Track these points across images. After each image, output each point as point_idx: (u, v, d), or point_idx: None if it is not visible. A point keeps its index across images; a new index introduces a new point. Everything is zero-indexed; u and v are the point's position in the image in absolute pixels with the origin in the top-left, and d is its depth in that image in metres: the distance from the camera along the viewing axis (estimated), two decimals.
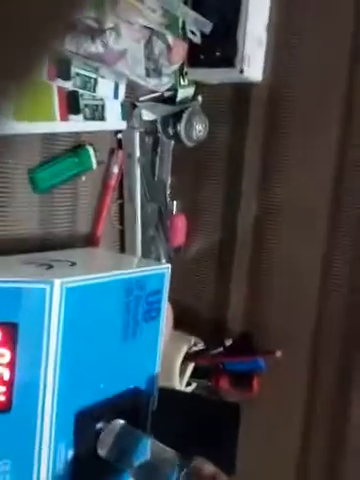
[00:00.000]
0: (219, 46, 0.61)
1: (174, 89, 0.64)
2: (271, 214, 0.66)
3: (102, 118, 0.57)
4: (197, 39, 0.55)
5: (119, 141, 0.62)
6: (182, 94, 0.66)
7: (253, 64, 0.62)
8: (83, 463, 0.44)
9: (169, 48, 0.51)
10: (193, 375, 0.68)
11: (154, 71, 0.52)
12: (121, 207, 0.66)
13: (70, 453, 0.43)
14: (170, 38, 0.51)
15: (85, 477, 0.44)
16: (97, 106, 0.56)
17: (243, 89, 0.66)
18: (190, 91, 0.67)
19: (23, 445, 0.40)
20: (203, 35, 0.58)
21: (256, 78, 0.64)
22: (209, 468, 0.43)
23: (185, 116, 0.65)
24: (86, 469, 0.44)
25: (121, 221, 0.66)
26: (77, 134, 0.56)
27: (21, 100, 0.47)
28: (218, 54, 0.61)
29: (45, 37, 0.42)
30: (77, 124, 0.55)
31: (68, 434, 0.43)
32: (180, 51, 0.52)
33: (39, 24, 0.41)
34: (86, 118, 0.55)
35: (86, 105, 0.55)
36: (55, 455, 0.42)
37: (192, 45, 0.61)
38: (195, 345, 0.68)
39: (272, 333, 0.66)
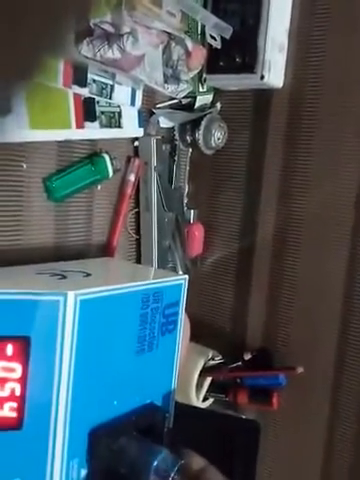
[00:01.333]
0: (239, 52, 0.59)
1: (192, 96, 0.63)
2: (292, 224, 0.64)
3: (119, 125, 0.56)
4: (217, 44, 0.54)
5: (136, 149, 0.61)
6: (201, 101, 0.65)
7: (274, 70, 0.60)
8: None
9: (188, 53, 0.50)
10: (210, 389, 0.66)
11: (172, 77, 0.51)
12: (137, 216, 0.64)
13: (83, 471, 0.41)
14: (189, 43, 0.50)
15: None
16: (114, 113, 0.55)
17: (263, 96, 0.64)
18: (209, 98, 0.66)
19: (35, 463, 0.39)
20: (223, 40, 0.57)
21: (277, 84, 0.62)
22: (198, 461, 0.42)
23: (203, 123, 0.64)
24: None
25: (137, 230, 0.65)
26: (93, 142, 0.55)
27: (36, 106, 0.46)
28: (238, 60, 0.60)
29: (54, 39, 0.41)
30: (93, 131, 0.54)
31: (81, 452, 0.41)
32: (199, 57, 0.51)
33: (47, 25, 0.40)
34: (102, 125, 0.54)
35: (102, 112, 0.54)
36: (68, 474, 0.40)
37: (211, 51, 0.60)
38: (213, 359, 0.66)
39: (293, 347, 0.64)
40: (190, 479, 0.41)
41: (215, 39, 0.54)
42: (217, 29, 0.53)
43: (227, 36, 0.54)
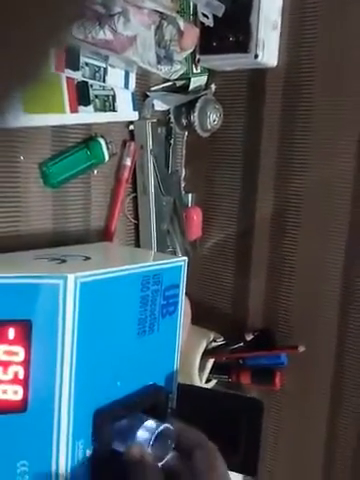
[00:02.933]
0: (232, 31, 0.59)
1: (186, 78, 0.63)
2: (290, 204, 0.64)
3: (113, 109, 0.56)
4: (209, 22, 0.53)
5: (131, 132, 0.61)
6: (195, 83, 0.64)
7: (268, 49, 0.60)
8: (101, 462, 0.43)
9: (180, 33, 0.49)
10: (213, 371, 0.67)
11: (165, 58, 0.50)
12: (135, 201, 0.64)
13: (88, 452, 0.42)
14: (181, 23, 0.49)
15: (103, 476, 0.43)
16: (108, 96, 0.55)
17: (258, 75, 0.64)
18: (203, 79, 0.65)
19: (40, 445, 0.39)
20: (215, 20, 0.56)
21: (271, 63, 0.61)
22: (193, 435, 0.42)
23: (198, 105, 0.64)
24: (104, 468, 0.43)
25: (135, 215, 0.65)
26: (88, 126, 0.55)
27: (29, 91, 0.45)
28: (231, 39, 0.59)
29: (52, 26, 0.41)
30: (87, 116, 0.53)
31: (86, 433, 0.41)
32: (192, 36, 0.51)
33: (45, 13, 0.40)
34: (96, 109, 0.54)
35: (96, 96, 0.54)
36: (73, 454, 0.40)
37: (204, 31, 0.59)
38: (214, 340, 0.67)
39: (294, 326, 0.64)
40: (184, 452, 0.41)
41: (207, 17, 0.53)
42: (209, 7, 0.52)
43: (219, 14, 0.53)
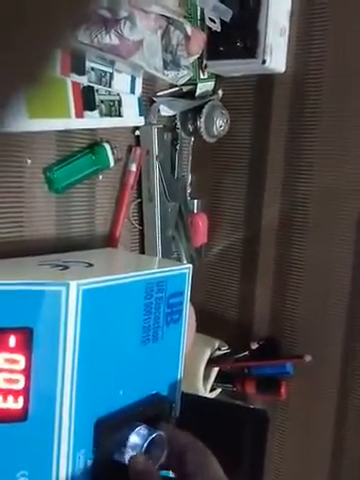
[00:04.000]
0: (240, 36, 0.58)
1: (193, 83, 0.62)
2: (297, 211, 0.63)
3: (119, 114, 0.56)
4: (217, 27, 0.53)
5: (137, 138, 0.60)
6: (202, 88, 0.64)
7: (276, 54, 0.59)
8: (103, 472, 0.42)
9: (187, 38, 0.49)
10: (217, 380, 0.66)
11: (172, 63, 0.50)
12: (140, 206, 0.64)
13: (89, 462, 0.41)
14: (188, 27, 0.49)
15: None
16: (113, 102, 0.55)
17: (265, 81, 0.63)
18: (210, 85, 0.65)
19: (40, 455, 0.38)
20: (223, 25, 0.56)
21: (279, 69, 0.61)
22: (182, 438, 0.42)
23: (205, 111, 0.63)
24: (106, 478, 0.42)
25: (140, 221, 0.64)
26: (93, 131, 0.55)
27: (34, 95, 0.45)
28: (239, 45, 0.59)
29: (58, 30, 0.40)
30: (93, 121, 0.53)
31: (87, 443, 0.41)
32: (199, 41, 0.50)
33: (49, 16, 0.40)
34: (102, 114, 0.54)
35: (102, 101, 0.53)
36: (74, 464, 0.40)
37: (211, 36, 0.59)
38: (219, 349, 0.66)
39: (300, 335, 0.63)
40: (175, 455, 0.41)
41: (214, 22, 0.52)
42: (216, 12, 0.51)
43: (227, 19, 0.52)
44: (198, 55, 0.52)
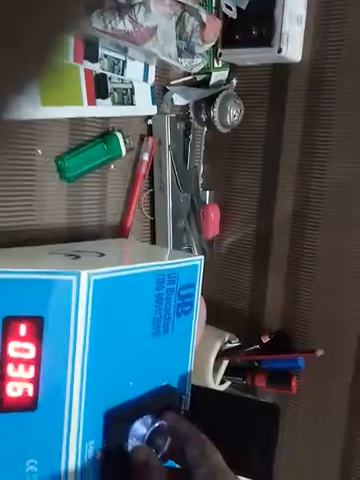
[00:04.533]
0: (255, 24, 0.57)
1: (207, 72, 0.61)
2: (311, 203, 0.62)
3: (131, 103, 0.55)
4: (233, 14, 0.52)
5: (149, 127, 0.60)
6: (216, 77, 0.63)
7: (292, 43, 0.58)
8: (112, 463, 0.42)
9: (202, 25, 0.48)
10: (228, 373, 0.65)
11: (186, 50, 0.49)
12: (152, 197, 0.63)
13: (98, 453, 0.41)
14: (203, 14, 0.48)
15: (114, 477, 0.42)
16: (126, 90, 0.54)
17: (281, 70, 0.62)
18: (224, 74, 0.64)
19: (50, 445, 0.38)
20: (238, 13, 0.55)
21: (295, 58, 0.60)
22: (184, 427, 0.41)
23: (219, 100, 0.62)
24: (115, 469, 0.42)
25: (152, 211, 0.63)
26: (105, 120, 0.54)
27: (47, 83, 0.44)
28: (254, 33, 0.57)
29: (68, 13, 0.39)
30: (105, 109, 0.52)
31: (96, 433, 0.40)
32: (214, 28, 0.49)
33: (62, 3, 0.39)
34: (115, 103, 0.53)
35: (115, 89, 0.53)
36: (83, 455, 0.40)
37: (226, 24, 0.58)
38: (229, 341, 0.65)
39: (312, 329, 0.63)
40: (177, 445, 0.41)
41: (231, 9, 0.51)
42: None
43: (243, 6, 0.51)
44: (213, 43, 0.51)
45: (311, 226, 0.62)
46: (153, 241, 0.64)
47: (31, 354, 0.37)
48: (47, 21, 0.37)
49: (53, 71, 0.44)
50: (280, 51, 0.57)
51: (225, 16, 0.57)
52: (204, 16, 0.48)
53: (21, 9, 0.34)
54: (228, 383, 0.67)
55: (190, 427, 0.42)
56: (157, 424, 0.41)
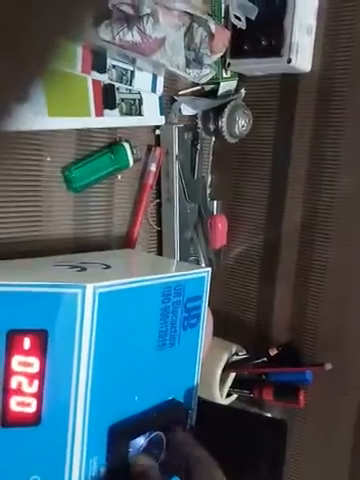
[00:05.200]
0: (265, 35, 0.57)
1: (216, 82, 0.61)
2: (319, 215, 0.61)
3: (139, 113, 0.55)
4: (242, 24, 0.51)
5: (157, 137, 0.59)
6: (224, 87, 0.62)
7: (301, 53, 0.58)
8: (115, 479, 0.41)
9: (211, 36, 0.47)
10: (234, 385, 0.64)
11: (194, 61, 0.49)
12: (159, 207, 0.63)
13: (102, 469, 0.40)
14: (212, 25, 0.47)
15: None
16: (134, 100, 0.54)
17: (290, 81, 0.61)
18: (233, 84, 0.63)
19: (53, 461, 0.38)
20: (247, 23, 0.54)
21: (304, 68, 0.59)
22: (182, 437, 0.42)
23: (227, 110, 0.62)
24: None
25: (158, 222, 0.63)
26: (113, 130, 0.54)
27: (53, 93, 0.44)
28: (264, 43, 0.57)
29: (70, 19, 0.39)
30: (113, 119, 0.52)
31: (100, 449, 0.40)
32: (223, 39, 0.49)
33: (65, 11, 0.39)
34: (122, 113, 0.53)
35: (122, 99, 0.52)
36: (86, 471, 0.39)
37: (235, 35, 0.57)
38: (237, 354, 0.64)
39: (320, 342, 0.62)
40: (181, 461, 0.41)
41: (240, 19, 0.51)
42: (242, 9, 0.50)
43: (252, 17, 0.51)
44: (222, 53, 0.51)
45: (320, 237, 0.61)
46: (160, 252, 0.64)
47: (35, 368, 0.37)
48: (47, 25, 0.37)
49: (54, 75, 0.44)
50: (290, 61, 0.56)
51: (234, 26, 0.56)
52: (213, 27, 0.48)
53: (21, 13, 0.34)
54: (235, 396, 0.66)
55: (195, 445, 0.42)
56: (152, 434, 0.42)
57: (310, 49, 0.59)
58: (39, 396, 0.37)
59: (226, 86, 0.63)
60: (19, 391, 0.37)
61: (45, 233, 0.51)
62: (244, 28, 0.53)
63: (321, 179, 0.61)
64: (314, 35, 0.59)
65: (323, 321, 0.61)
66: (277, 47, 0.56)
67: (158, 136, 0.59)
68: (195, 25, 0.47)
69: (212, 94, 0.63)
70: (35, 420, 0.37)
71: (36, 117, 0.45)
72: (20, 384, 0.37)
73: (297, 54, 0.57)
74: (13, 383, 0.37)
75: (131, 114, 0.54)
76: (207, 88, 0.62)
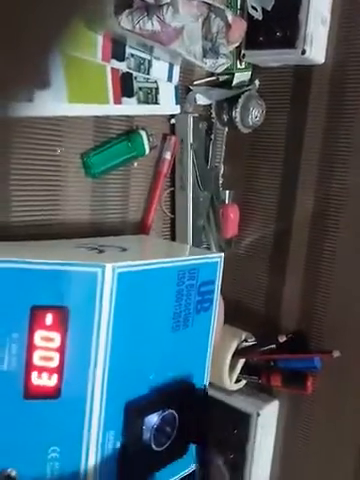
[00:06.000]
0: (279, 26, 0.58)
1: (230, 73, 0.62)
2: (331, 205, 0.62)
3: (155, 102, 0.56)
4: (259, 15, 0.52)
5: (172, 126, 0.61)
6: (238, 78, 0.63)
7: (316, 45, 0.58)
8: (131, 454, 0.42)
9: (228, 26, 0.48)
10: (243, 371, 0.66)
11: (211, 51, 0.50)
12: (172, 195, 0.64)
13: (118, 442, 0.42)
14: (229, 15, 0.48)
15: (133, 468, 0.43)
16: (151, 89, 0.55)
17: (303, 72, 0.62)
18: (247, 75, 0.64)
19: (71, 432, 0.39)
20: (263, 14, 0.55)
21: (319, 60, 0.60)
22: None
23: (241, 101, 0.63)
24: (134, 460, 0.43)
25: (172, 210, 0.64)
26: (130, 118, 0.55)
27: (70, 78, 0.45)
28: (278, 34, 0.58)
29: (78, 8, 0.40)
30: (130, 107, 0.53)
31: (117, 424, 0.41)
32: (239, 29, 0.50)
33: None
34: (140, 101, 0.54)
35: (140, 88, 0.54)
36: (103, 444, 0.40)
37: (250, 26, 0.58)
38: (246, 340, 0.66)
39: (329, 330, 0.63)
40: None
41: (256, 10, 0.52)
42: (259, 0, 0.51)
43: (268, 7, 0.52)
44: (238, 43, 0.52)
45: (331, 228, 0.62)
46: (173, 239, 0.65)
47: (56, 343, 0.38)
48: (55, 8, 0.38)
49: (74, 66, 0.45)
50: (304, 53, 0.57)
51: (249, 17, 0.57)
52: (230, 17, 0.49)
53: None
54: (243, 382, 0.67)
55: None
56: (166, 412, 0.43)
57: (324, 40, 0.60)
58: (60, 370, 0.38)
59: (240, 77, 0.64)
60: (41, 365, 0.38)
61: (63, 217, 0.52)
62: (260, 19, 0.54)
63: (333, 169, 0.62)
64: (328, 27, 0.60)
65: (332, 309, 0.62)
66: (292, 38, 0.57)
67: (173, 125, 0.60)
68: (212, 15, 0.48)
69: (226, 85, 0.64)
70: (55, 393, 0.39)
71: (57, 103, 0.46)
72: (42, 358, 0.38)
73: (311, 45, 0.57)
74: (35, 357, 0.38)
75: (148, 102, 0.55)
76: (222, 79, 0.63)
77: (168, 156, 0.60)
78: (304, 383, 0.63)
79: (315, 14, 0.57)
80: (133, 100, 0.53)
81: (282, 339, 0.63)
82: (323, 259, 0.63)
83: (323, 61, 0.60)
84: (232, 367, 0.65)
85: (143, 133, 0.55)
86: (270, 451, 0.69)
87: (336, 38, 0.60)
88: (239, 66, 0.63)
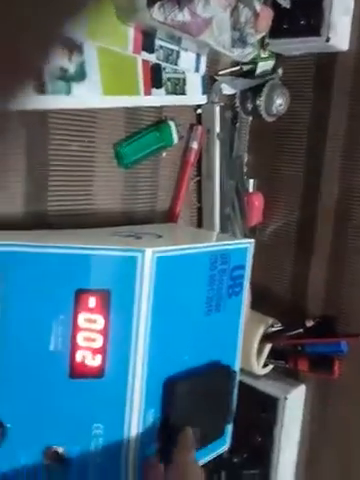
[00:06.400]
0: (304, 14, 0.58)
1: (254, 62, 0.63)
2: (355, 193, 0.63)
3: (183, 92, 0.57)
4: (287, 3, 0.53)
5: (198, 116, 0.62)
6: (262, 67, 0.64)
7: (340, 32, 0.59)
8: (169, 431, 0.44)
9: (256, 15, 0.49)
10: (270, 356, 0.67)
11: (239, 40, 0.51)
12: (199, 184, 0.65)
13: (158, 420, 0.43)
14: (257, 5, 0.49)
15: (172, 444, 0.44)
16: (179, 80, 0.56)
17: (327, 60, 0.63)
18: (270, 64, 0.65)
19: (115, 410, 0.41)
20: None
21: (342, 47, 0.60)
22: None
23: (265, 90, 0.63)
24: (173, 436, 0.44)
25: (199, 198, 0.66)
26: (159, 109, 0.56)
27: (104, 70, 0.47)
28: (303, 23, 0.58)
29: None
30: (159, 98, 0.55)
31: (156, 403, 0.43)
32: (267, 18, 0.51)
33: None
34: (168, 92, 0.55)
35: (168, 79, 0.55)
36: (144, 422, 0.42)
37: (274, 15, 0.59)
38: (272, 326, 0.67)
39: (355, 314, 0.64)
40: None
41: None
42: None
43: None
44: (266, 32, 0.53)
45: (355, 214, 0.63)
46: (199, 227, 0.66)
47: (99, 325, 0.40)
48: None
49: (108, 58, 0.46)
50: (328, 40, 0.58)
51: (274, 6, 0.58)
52: (258, 6, 0.49)
53: None
54: (271, 366, 0.69)
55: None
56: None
57: (348, 28, 0.60)
58: (103, 351, 0.40)
59: (263, 66, 0.64)
60: (85, 346, 0.40)
61: (96, 207, 0.54)
62: (288, 7, 0.55)
63: (357, 157, 0.62)
64: (352, 15, 0.60)
65: (358, 293, 0.63)
66: (316, 26, 0.58)
67: (199, 115, 0.62)
68: (241, 5, 0.49)
69: (250, 74, 0.64)
70: (99, 373, 0.40)
71: (93, 96, 0.47)
72: (86, 339, 0.40)
73: (335, 33, 0.58)
74: (80, 338, 0.40)
75: (176, 93, 0.56)
76: (245, 68, 0.64)
77: (195, 146, 0.61)
78: (331, 367, 0.63)
79: (339, 2, 0.58)
80: (162, 91, 0.54)
81: (309, 323, 0.64)
82: (348, 244, 0.64)
83: (347, 48, 0.61)
84: (259, 352, 0.66)
85: (171, 123, 0.56)
86: (297, 435, 0.70)
87: (359, 26, 0.60)
88: (262, 55, 0.63)
